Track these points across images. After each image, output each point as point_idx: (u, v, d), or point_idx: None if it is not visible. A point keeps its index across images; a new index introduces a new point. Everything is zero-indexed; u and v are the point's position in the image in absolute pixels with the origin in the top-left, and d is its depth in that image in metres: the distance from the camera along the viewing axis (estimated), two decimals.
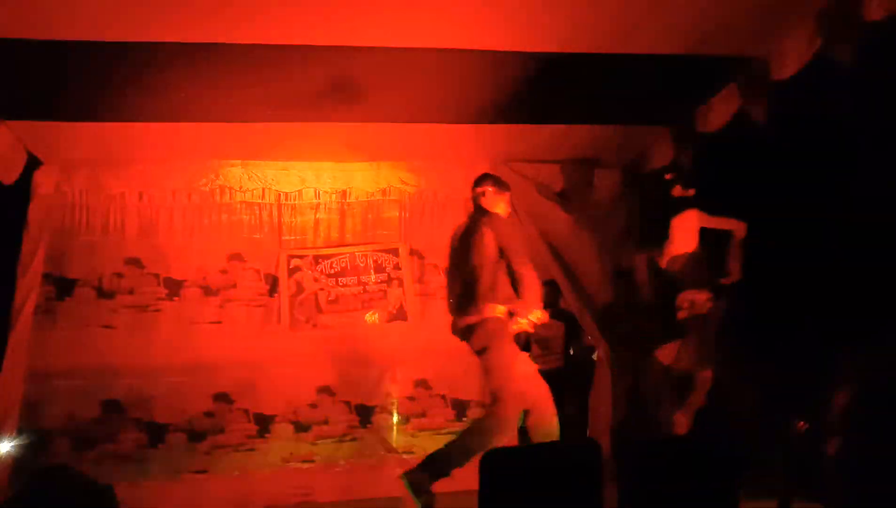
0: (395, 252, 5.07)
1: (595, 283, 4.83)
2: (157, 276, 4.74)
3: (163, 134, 4.45)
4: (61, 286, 4.58)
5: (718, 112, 4.18)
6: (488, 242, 3.38)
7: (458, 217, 5.19)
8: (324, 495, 4.45)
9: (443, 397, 4.82)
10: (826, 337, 3.43)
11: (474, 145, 4.89)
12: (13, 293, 4.46)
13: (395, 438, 4.70)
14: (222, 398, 4.55)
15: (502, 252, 3.36)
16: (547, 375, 5.44)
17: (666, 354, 3.80)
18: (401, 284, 5.00)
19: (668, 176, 3.87)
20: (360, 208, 5.12)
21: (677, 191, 3.83)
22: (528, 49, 3.66)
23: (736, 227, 3.77)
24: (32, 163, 4.59)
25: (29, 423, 4.25)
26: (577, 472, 2.05)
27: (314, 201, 5.06)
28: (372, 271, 5.00)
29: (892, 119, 3.08)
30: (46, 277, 4.55)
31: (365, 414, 4.70)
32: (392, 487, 4.50)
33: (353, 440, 4.64)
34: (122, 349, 4.53)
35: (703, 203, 4.14)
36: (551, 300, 5.28)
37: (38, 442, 4.22)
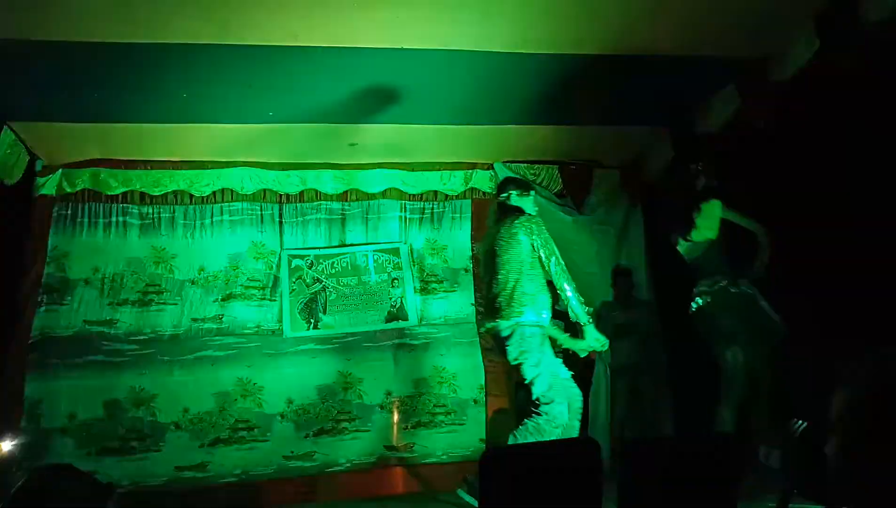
0: (395, 252, 5.08)
1: (594, 283, 4.83)
2: (158, 276, 4.75)
3: (164, 135, 4.47)
4: (63, 286, 4.59)
5: (718, 112, 4.19)
6: (521, 240, 3.35)
7: (458, 217, 5.24)
8: (324, 494, 4.46)
9: (442, 396, 4.83)
10: (826, 337, 3.43)
11: (474, 145, 4.90)
12: (15, 293, 4.48)
13: (395, 438, 4.71)
14: (223, 397, 4.56)
15: (534, 251, 3.33)
16: None
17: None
18: (401, 284, 5.01)
19: (694, 166, 3.87)
20: (361, 209, 5.14)
21: (703, 181, 3.84)
22: (529, 51, 3.67)
23: (757, 229, 3.71)
24: (34, 163, 4.61)
25: (30, 422, 4.26)
26: (576, 472, 2.05)
27: (315, 201, 5.07)
28: (372, 271, 5.01)
29: (892, 120, 3.08)
30: (48, 277, 4.57)
31: (365, 414, 4.71)
32: (392, 487, 4.55)
33: (354, 439, 4.64)
34: (124, 349, 4.53)
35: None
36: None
37: (39, 442, 4.23)
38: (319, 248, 5.03)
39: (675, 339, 5.19)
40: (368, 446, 4.64)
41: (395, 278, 5.02)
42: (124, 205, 4.81)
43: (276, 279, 4.90)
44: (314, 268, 4.96)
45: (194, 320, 4.71)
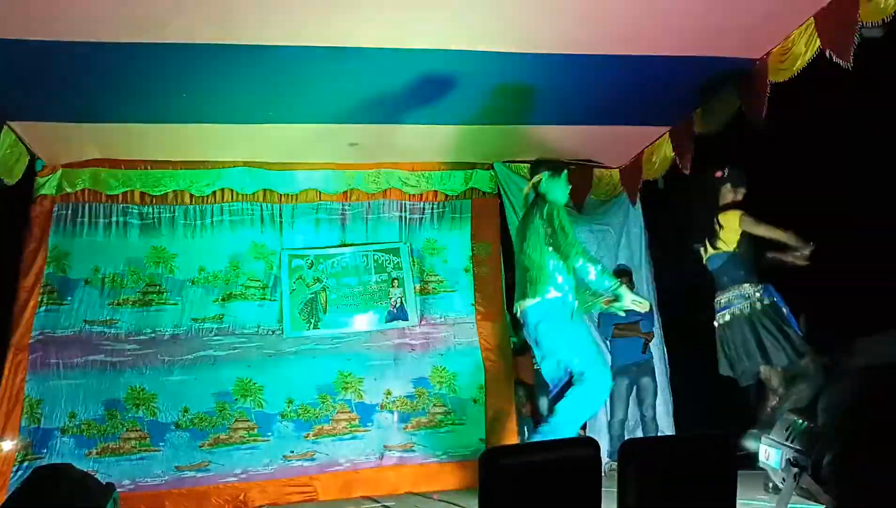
0: (395, 252, 5.08)
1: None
2: (158, 276, 4.75)
3: (164, 135, 4.47)
4: (63, 286, 4.59)
5: (718, 113, 4.19)
6: (537, 226, 3.40)
7: (458, 217, 5.24)
8: (324, 494, 4.46)
9: (442, 396, 4.83)
10: (827, 337, 3.44)
11: (474, 145, 4.91)
12: (15, 293, 4.48)
13: (395, 437, 4.71)
14: (224, 396, 4.56)
15: (552, 238, 3.35)
16: None
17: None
18: (401, 284, 5.02)
19: (717, 174, 3.84)
20: (361, 209, 5.14)
21: (726, 190, 3.82)
22: (529, 50, 3.67)
23: (784, 237, 3.61)
24: (34, 163, 4.61)
25: (31, 422, 4.26)
26: (576, 472, 2.05)
27: (315, 201, 5.07)
28: (372, 271, 5.01)
29: (892, 119, 3.09)
30: (48, 277, 4.57)
31: (365, 414, 4.71)
32: (392, 487, 4.55)
33: (354, 439, 4.65)
34: (124, 349, 4.54)
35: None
36: None
37: (39, 442, 4.23)
38: (319, 248, 5.03)
39: (675, 339, 5.21)
40: (368, 446, 4.64)
41: (395, 278, 5.02)
42: (124, 205, 4.81)
43: (276, 279, 4.90)
44: (314, 268, 4.96)
45: (194, 320, 4.71)
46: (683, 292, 5.05)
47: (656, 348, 5.12)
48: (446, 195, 5.24)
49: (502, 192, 5.20)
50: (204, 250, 4.85)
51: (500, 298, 5.15)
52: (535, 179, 3.58)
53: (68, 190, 4.73)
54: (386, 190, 5.16)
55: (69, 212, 4.72)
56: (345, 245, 5.07)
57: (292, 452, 4.54)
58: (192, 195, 4.89)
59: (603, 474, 2.09)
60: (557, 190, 3.55)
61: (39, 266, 4.56)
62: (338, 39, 3.49)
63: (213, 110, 4.19)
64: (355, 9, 3.24)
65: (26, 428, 4.24)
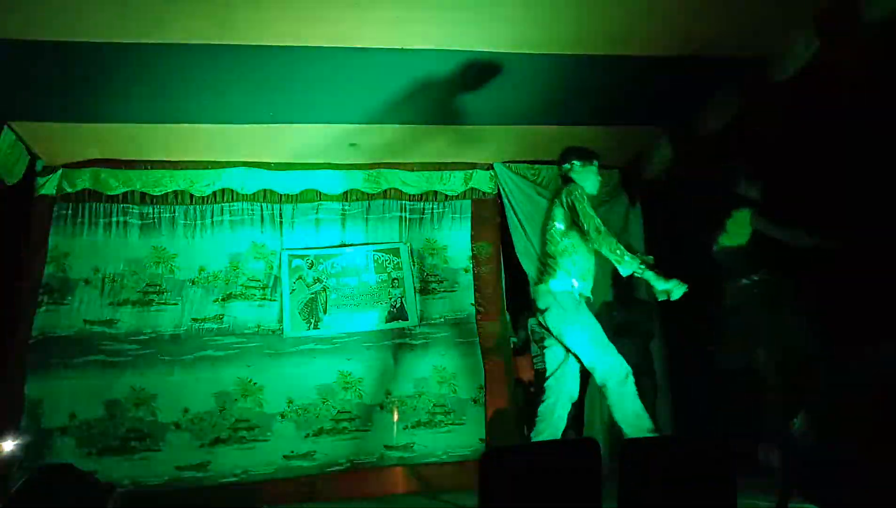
0: (395, 252, 5.09)
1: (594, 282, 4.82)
2: (158, 276, 4.75)
3: (164, 135, 4.47)
4: (63, 286, 4.59)
5: (718, 113, 4.19)
6: (558, 211, 3.40)
7: (458, 217, 5.24)
8: (324, 494, 4.46)
9: (442, 396, 4.83)
10: (827, 338, 3.44)
11: (474, 145, 4.91)
12: (15, 293, 4.48)
13: (395, 437, 4.71)
14: (223, 396, 4.56)
15: (577, 220, 3.31)
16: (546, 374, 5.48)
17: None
18: (401, 284, 5.02)
19: (737, 168, 3.86)
20: (361, 209, 5.14)
21: (741, 189, 3.83)
22: (529, 51, 3.67)
23: (796, 240, 3.60)
24: (34, 163, 4.61)
25: (31, 422, 4.26)
26: (576, 472, 2.05)
27: (315, 201, 5.08)
28: (372, 271, 5.02)
29: (892, 119, 3.08)
30: (48, 277, 4.57)
31: (365, 414, 4.71)
32: (392, 487, 4.55)
33: (354, 439, 4.65)
34: (124, 349, 4.54)
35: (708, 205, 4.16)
36: None
37: (39, 442, 4.23)
38: (319, 248, 5.03)
39: (675, 339, 5.20)
40: (368, 446, 4.64)
41: (395, 278, 5.02)
42: (124, 205, 4.81)
43: (277, 279, 4.90)
44: (314, 268, 4.96)
45: (194, 320, 4.71)
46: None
47: (656, 347, 5.12)
48: (446, 195, 5.24)
49: (502, 192, 5.20)
50: (204, 250, 4.86)
51: (500, 298, 5.15)
52: (566, 167, 3.53)
53: (68, 190, 4.73)
54: (386, 190, 5.16)
55: (69, 212, 4.72)
56: (345, 245, 5.07)
57: (292, 452, 4.54)
58: (192, 195, 4.90)
59: (603, 474, 2.09)
60: (588, 180, 3.50)
61: (39, 266, 4.56)
62: (338, 39, 3.49)
63: (213, 110, 4.19)
64: (356, 9, 3.24)
65: (26, 428, 4.24)
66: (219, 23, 3.29)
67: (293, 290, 4.89)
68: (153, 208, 4.85)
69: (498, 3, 3.26)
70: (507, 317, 5.25)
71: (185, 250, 4.83)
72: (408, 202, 5.20)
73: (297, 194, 5.05)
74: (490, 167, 5.26)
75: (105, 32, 3.30)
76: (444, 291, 5.09)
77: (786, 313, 3.54)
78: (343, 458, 4.58)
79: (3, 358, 4.32)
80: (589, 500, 2.01)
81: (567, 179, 3.52)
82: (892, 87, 3.04)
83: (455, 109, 4.30)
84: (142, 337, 4.59)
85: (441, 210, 5.24)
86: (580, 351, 3.33)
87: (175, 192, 4.87)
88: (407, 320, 4.95)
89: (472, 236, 5.22)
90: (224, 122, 4.34)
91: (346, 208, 5.13)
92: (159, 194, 4.85)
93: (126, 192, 4.81)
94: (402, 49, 3.60)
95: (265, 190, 5.00)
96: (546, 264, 3.44)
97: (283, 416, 4.60)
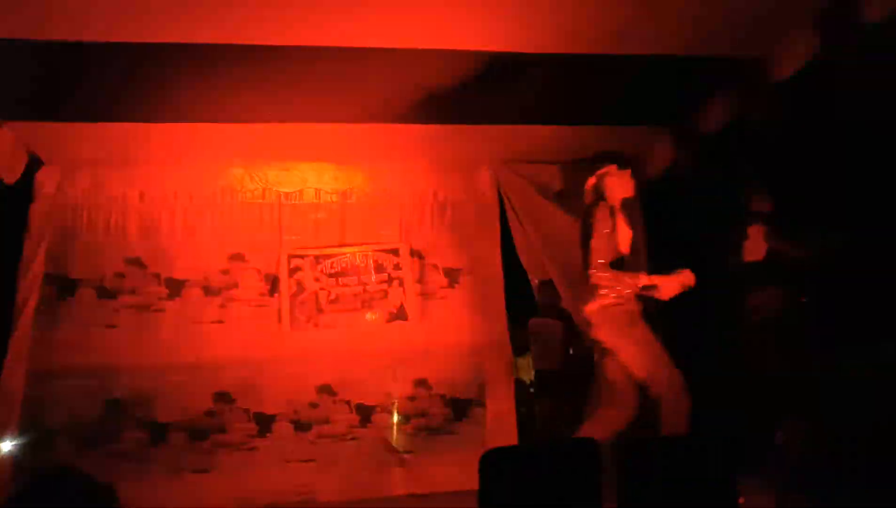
0: (395, 252, 5.08)
1: None
2: (158, 276, 4.75)
3: (164, 134, 4.46)
4: (63, 286, 4.59)
5: (718, 113, 4.19)
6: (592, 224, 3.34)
7: (458, 217, 5.24)
8: (324, 494, 4.46)
9: (442, 397, 4.83)
10: (827, 338, 3.44)
11: (474, 145, 4.90)
12: (15, 293, 4.48)
13: (395, 438, 4.71)
14: (223, 397, 4.56)
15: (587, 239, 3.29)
16: (546, 375, 5.49)
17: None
18: (401, 284, 5.01)
19: (748, 189, 3.89)
20: (361, 209, 5.13)
21: (754, 203, 3.85)
22: (529, 50, 3.66)
23: (803, 254, 3.63)
24: (34, 163, 4.61)
25: (30, 423, 4.26)
26: (576, 471, 2.05)
27: (315, 201, 5.07)
28: (372, 271, 5.01)
29: (892, 119, 3.08)
30: (48, 277, 4.57)
31: (365, 414, 4.71)
32: (392, 487, 4.55)
33: (354, 439, 4.65)
34: (124, 349, 4.54)
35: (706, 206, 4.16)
36: (551, 301, 5.30)
37: (39, 442, 4.23)
38: (319, 248, 5.03)
39: (674, 338, 5.19)
40: (368, 446, 4.64)
41: (395, 279, 5.02)
42: (124, 205, 4.80)
43: (276, 279, 4.90)
44: (314, 268, 4.96)
45: (194, 320, 4.70)
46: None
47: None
48: (446, 195, 5.24)
49: (502, 192, 5.19)
50: (204, 250, 4.85)
51: (501, 298, 5.15)
52: (602, 172, 3.51)
53: (68, 190, 4.73)
54: (386, 189, 5.16)
55: (69, 212, 4.72)
56: (345, 245, 5.07)
57: (292, 452, 4.54)
58: (192, 195, 4.89)
59: (603, 474, 2.09)
60: (623, 184, 3.49)
61: (39, 266, 4.56)
62: (338, 39, 3.49)
63: (214, 110, 4.19)
64: (356, 9, 3.24)
65: (26, 428, 4.24)
66: (220, 23, 3.29)
67: (293, 290, 4.89)
68: (153, 208, 4.84)
69: (497, 2, 3.26)
70: (507, 317, 5.24)
71: (184, 250, 4.82)
72: (408, 202, 5.20)
73: (296, 193, 5.05)
74: (490, 167, 5.25)
75: (106, 33, 3.29)
76: (443, 291, 5.09)
77: (798, 323, 3.56)
78: (343, 459, 4.58)
79: (3, 358, 4.31)
80: (589, 500, 2.01)
81: (597, 188, 3.48)
82: (891, 87, 3.04)
83: (455, 108, 4.30)
84: (141, 337, 4.59)
85: (441, 210, 5.23)
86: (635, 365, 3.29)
87: (175, 192, 4.87)
88: (407, 320, 4.95)
89: (472, 235, 5.21)
90: (224, 121, 4.34)
91: (347, 207, 5.12)
92: (159, 193, 4.84)
93: (126, 192, 4.80)
94: (401, 49, 3.60)
95: (265, 189, 5.00)
96: (589, 282, 3.34)
97: (283, 416, 4.60)
